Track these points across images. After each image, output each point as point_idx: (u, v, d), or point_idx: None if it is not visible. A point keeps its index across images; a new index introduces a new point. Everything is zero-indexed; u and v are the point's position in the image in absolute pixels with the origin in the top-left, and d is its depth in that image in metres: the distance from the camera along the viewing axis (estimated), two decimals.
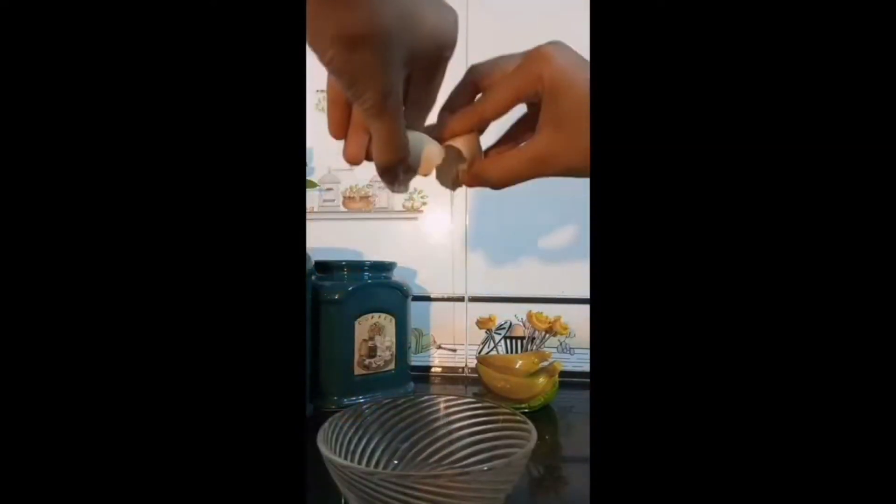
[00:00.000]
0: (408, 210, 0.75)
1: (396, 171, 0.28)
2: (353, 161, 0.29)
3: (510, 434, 0.33)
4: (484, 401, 0.37)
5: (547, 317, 0.64)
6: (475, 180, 0.31)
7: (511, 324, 0.73)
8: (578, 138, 0.27)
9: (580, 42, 0.27)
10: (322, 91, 0.61)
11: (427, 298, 0.75)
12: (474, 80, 0.31)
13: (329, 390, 0.55)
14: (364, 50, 0.21)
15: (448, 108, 0.31)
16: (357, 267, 0.60)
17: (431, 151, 0.29)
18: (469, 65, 0.31)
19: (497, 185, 0.31)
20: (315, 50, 0.22)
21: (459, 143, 0.30)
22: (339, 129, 0.29)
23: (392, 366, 0.60)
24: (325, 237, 0.75)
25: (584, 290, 0.70)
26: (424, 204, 0.76)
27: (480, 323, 0.71)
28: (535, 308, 0.69)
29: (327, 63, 0.22)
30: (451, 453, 0.36)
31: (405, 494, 0.24)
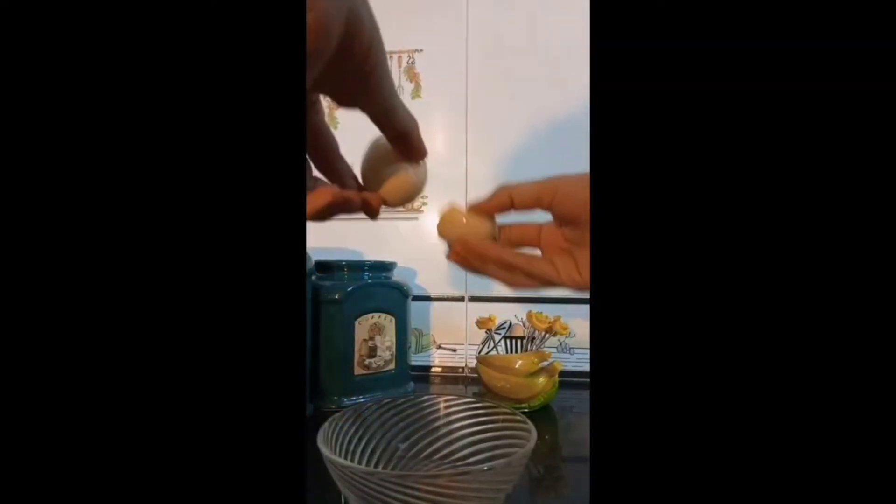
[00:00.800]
0: (408, 210, 0.75)
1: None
2: (378, 209, 0.30)
3: (510, 434, 0.33)
4: (484, 401, 0.37)
5: (547, 317, 0.64)
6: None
7: (511, 324, 0.73)
8: (582, 192, 0.29)
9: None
10: None
11: (427, 298, 0.75)
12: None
13: (329, 390, 0.55)
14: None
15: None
16: (357, 267, 0.60)
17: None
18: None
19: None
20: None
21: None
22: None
23: (392, 366, 0.60)
24: (325, 237, 0.75)
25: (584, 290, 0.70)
26: (424, 204, 0.76)
27: (480, 323, 0.71)
28: (535, 308, 0.69)
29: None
30: (451, 453, 0.36)
31: (405, 494, 0.24)
